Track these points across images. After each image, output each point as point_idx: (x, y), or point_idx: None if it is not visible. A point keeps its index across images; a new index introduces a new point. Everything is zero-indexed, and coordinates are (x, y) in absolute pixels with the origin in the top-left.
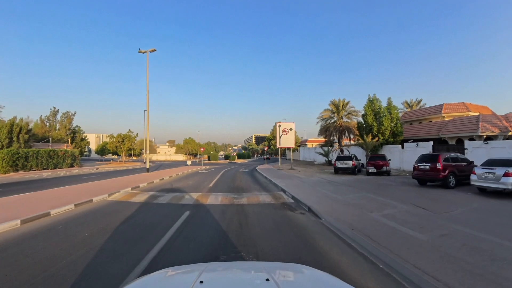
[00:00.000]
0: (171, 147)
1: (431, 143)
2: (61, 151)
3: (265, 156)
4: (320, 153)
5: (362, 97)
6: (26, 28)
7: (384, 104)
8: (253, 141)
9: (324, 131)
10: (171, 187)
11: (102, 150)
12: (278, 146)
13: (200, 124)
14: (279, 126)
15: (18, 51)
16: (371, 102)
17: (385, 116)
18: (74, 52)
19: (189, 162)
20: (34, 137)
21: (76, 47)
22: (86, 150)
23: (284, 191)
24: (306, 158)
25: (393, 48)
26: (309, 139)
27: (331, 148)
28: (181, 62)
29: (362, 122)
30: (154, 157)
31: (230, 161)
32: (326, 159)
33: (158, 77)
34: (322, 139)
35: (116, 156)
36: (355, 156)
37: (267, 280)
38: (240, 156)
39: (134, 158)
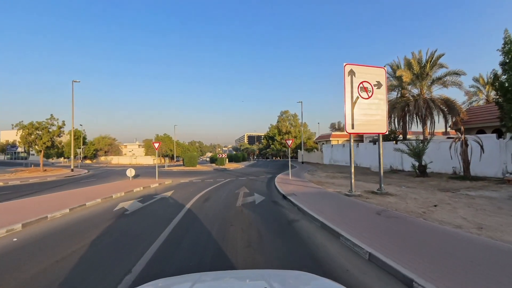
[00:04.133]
0: (141, 146)
1: None
2: None
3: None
4: (407, 152)
5: None
6: None
7: None
8: (246, 140)
9: (403, 110)
10: None
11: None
12: (347, 131)
13: (187, 123)
14: (351, 74)
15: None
16: None
17: None
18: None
19: (131, 173)
20: None
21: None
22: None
23: None
24: (337, 161)
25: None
26: (333, 133)
27: (423, 141)
28: (165, 56)
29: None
30: (116, 160)
31: (217, 166)
32: (418, 164)
33: (141, 72)
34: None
35: (63, 159)
36: None
37: None
38: (231, 158)
39: (88, 161)
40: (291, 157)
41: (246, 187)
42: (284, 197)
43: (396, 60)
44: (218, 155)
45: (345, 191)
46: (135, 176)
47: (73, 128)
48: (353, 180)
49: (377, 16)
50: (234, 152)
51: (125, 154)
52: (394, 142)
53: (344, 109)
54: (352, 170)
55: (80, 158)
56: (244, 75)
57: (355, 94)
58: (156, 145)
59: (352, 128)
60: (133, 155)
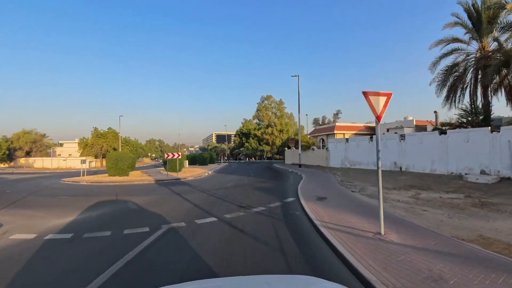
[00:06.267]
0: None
1: None
2: None
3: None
4: None
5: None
6: None
7: None
8: (214, 140)
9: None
10: None
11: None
12: None
13: (146, 121)
14: None
15: None
16: None
17: None
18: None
19: None
20: None
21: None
22: None
23: None
24: (356, 163)
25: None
26: (337, 124)
27: None
28: (125, 51)
29: None
30: (40, 162)
31: (168, 173)
32: None
33: (109, 68)
34: (360, 124)
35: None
36: None
37: None
38: (195, 160)
39: (3, 165)
40: (269, 158)
41: None
42: None
43: None
44: (166, 156)
45: None
46: None
47: None
48: None
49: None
50: (200, 152)
51: (59, 154)
52: (490, 129)
53: None
54: None
55: (17, 159)
56: (210, 74)
57: None
58: None
59: None
60: (69, 156)
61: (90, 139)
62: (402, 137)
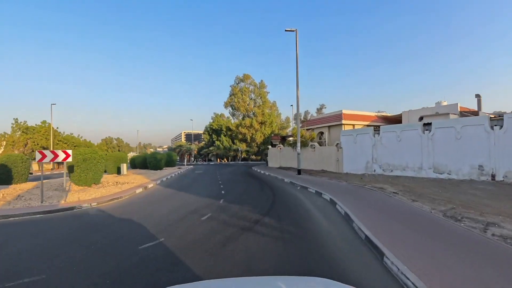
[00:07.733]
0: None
1: None
2: None
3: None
4: None
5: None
6: None
7: None
8: (183, 139)
9: None
10: None
11: None
12: None
13: (108, 121)
14: None
15: None
16: None
17: None
18: None
19: None
20: None
21: None
22: None
23: None
24: (398, 168)
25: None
26: (344, 111)
27: None
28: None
29: None
30: None
31: (66, 188)
32: None
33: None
34: (371, 113)
35: None
36: None
37: None
38: (145, 162)
39: None
40: (245, 159)
41: None
42: None
43: None
44: (39, 157)
45: None
46: None
47: None
48: None
49: None
50: (154, 152)
51: None
52: None
53: None
54: None
55: None
56: (181, 68)
57: None
58: None
59: None
60: None
61: (11, 135)
62: (496, 122)
